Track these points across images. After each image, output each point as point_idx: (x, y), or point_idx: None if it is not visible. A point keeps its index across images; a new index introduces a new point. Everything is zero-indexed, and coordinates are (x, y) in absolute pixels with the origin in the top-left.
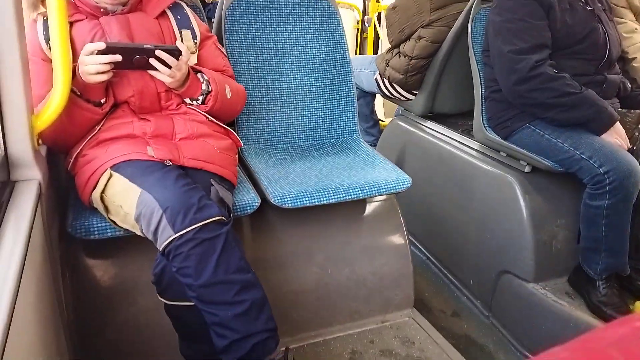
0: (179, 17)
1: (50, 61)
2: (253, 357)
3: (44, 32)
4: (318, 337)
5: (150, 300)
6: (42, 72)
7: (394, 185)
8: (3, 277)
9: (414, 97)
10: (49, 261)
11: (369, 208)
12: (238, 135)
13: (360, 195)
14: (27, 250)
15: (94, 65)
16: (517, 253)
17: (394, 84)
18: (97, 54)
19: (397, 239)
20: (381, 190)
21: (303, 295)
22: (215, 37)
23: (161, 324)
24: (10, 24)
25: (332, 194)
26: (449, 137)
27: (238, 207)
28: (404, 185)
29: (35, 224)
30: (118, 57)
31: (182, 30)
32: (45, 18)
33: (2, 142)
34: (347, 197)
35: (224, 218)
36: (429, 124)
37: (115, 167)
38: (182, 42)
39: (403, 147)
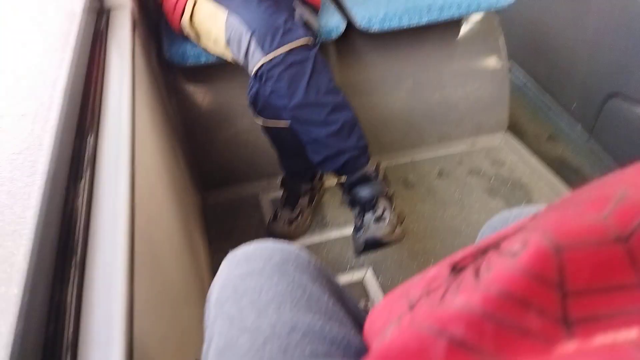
0: None
1: None
2: (346, 170)
3: None
4: (406, 157)
5: (248, 121)
6: None
7: (494, 0)
8: (119, 98)
9: None
10: (154, 85)
11: (465, 29)
12: None
13: (456, 13)
14: (134, 73)
15: None
16: (633, 72)
17: None
18: None
19: (495, 62)
20: (480, 7)
21: (391, 119)
22: None
23: (260, 142)
24: None
25: (423, 14)
26: None
27: (323, 31)
28: (507, 1)
29: (136, 50)
30: None
31: None
32: None
33: None
34: (441, 17)
35: (310, 41)
36: None
37: None
38: None
39: None
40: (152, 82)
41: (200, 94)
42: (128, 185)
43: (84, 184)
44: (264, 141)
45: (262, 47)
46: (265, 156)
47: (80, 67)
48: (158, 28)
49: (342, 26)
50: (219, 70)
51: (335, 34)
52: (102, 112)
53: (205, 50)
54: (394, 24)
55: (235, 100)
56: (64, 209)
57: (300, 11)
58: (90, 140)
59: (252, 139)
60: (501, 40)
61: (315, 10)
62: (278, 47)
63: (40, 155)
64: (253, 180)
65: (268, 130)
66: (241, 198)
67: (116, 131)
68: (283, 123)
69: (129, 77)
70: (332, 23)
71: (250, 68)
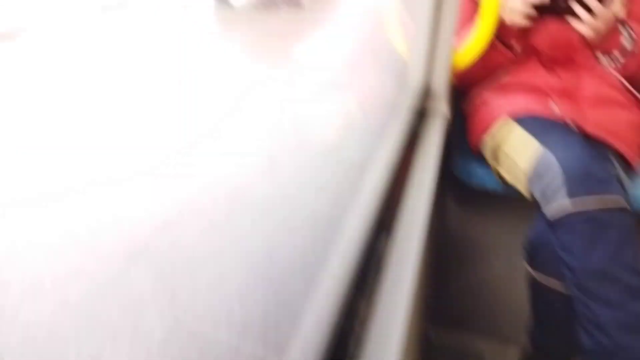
0: None
1: (474, 2)
2: None
3: None
4: None
5: (508, 267)
6: (465, 10)
7: None
8: (417, 201)
9: None
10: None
11: None
12: None
13: None
14: (433, 178)
15: (521, 6)
16: None
17: None
18: None
19: None
20: None
21: None
22: None
23: (510, 298)
24: None
25: None
26: None
27: (633, 201)
28: None
29: (438, 155)
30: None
31: None
32: None
33: (419, 72)
34: None
35: (624, 203)
36: None
37: (515, 116)
38: None
39: None
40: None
41: (466, 218)
42: (411, 291)
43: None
44: (516, 297)
45: (570, 192)
46: (508, 315)
47: (391, 163)
48: (450, 136)
49: None
50: (497, 199)
51: None
52: (399, 210)
53: (496, 174)
54: None
55: (505, 236)
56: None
57: (618, 168)
58: (383, 236)
59: (502, 290)
60: None
61: (630, 171)
62: (588, 194)
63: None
64: (485, 337)
65: (536, 288)
66: (466, 351)
67: (408, 234)
68: (560, 286)
69: (431, 183)
70: None
71: (548, 211)
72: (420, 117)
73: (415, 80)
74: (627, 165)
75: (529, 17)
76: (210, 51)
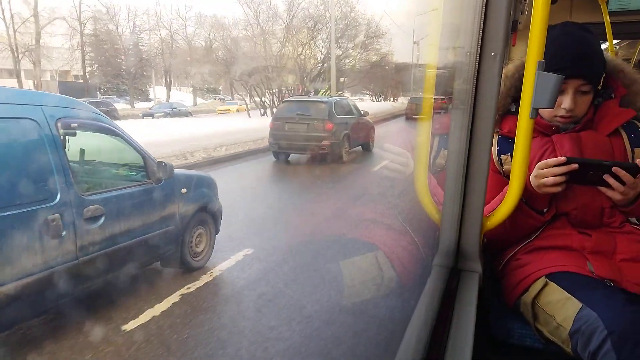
0: (632, 136)
1: (497, 172)
2: None
3: (497, 148)
4: None
5: None
6: (491, 180)
7: None
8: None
9: None
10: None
11: None
12: None
13: None
14: (471, 336)
15: (551, 178)
16: None
17: None
18: (553, 167)
19: None
20: None
21: None
22: None
23: None
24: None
25: None
26: None
27: None
28: None
29: (474, 312)
30: (575, 166)
31: (635, 148)
32: (500, 136)
33: (451, 235)
34: None
35: None
36: None
37: (551, 276)
38: (635, 160)
39: None
40: None
41: None
42: None
43: None
44: None
45: (619, 353)
46: None
47: (428, 322)
48: (484, 294)
49: None
50: (536, 356)
51: None
52: None
53: (536, 333)
54: None
55: None
56: None
57: None
58: None
59: None
60: None
61: None
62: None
63: None
64: None
65: None
66: None
67: None
68: None
69: (469, 341)
70: None
71: None
72: (454, 275)
73: (447, 241)
74: None
75: (561, 186)
76: None
